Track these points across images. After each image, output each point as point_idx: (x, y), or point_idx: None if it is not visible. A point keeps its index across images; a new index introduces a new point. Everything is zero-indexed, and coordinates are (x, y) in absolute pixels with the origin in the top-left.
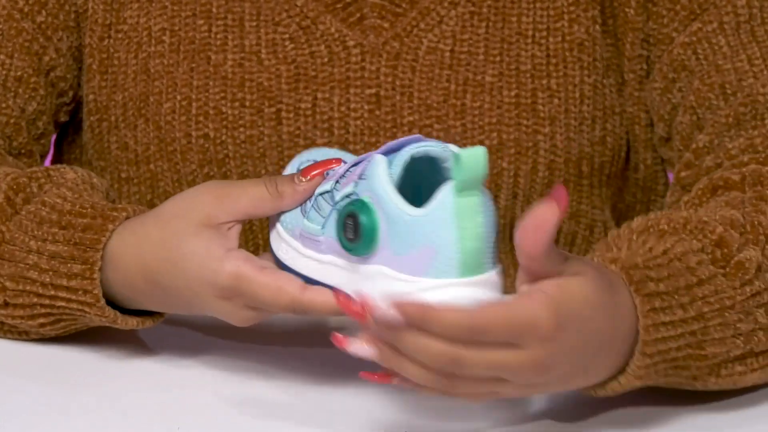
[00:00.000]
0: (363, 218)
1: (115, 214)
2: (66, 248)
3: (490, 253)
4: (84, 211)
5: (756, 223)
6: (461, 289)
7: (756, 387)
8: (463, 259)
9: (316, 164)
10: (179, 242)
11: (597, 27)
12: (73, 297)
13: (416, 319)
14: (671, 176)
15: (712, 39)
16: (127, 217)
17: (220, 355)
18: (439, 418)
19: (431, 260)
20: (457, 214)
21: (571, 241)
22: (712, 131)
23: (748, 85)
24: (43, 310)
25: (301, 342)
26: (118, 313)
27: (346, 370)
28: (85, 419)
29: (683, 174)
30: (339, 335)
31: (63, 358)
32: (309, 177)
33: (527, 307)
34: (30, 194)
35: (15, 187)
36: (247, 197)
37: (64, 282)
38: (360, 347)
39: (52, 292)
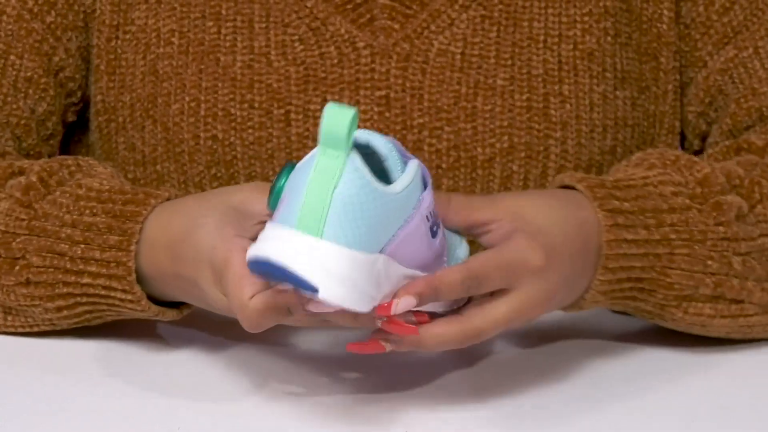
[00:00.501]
0: (277, 180)
1: (158, 192)
2: (104, 219)
3: (354, 229)
4: (125, 189)
5: (755, 181)
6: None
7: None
8: (302, 213)
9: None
10: (203, 215)
11: (608, 39)
12: (103, 271)
13: (430, 297)
14: None
15: (747, 64)
16: (168, 198)
17: (220, 355)
18: (439, 418)
19: (282, 207)
20: (315, 169)
21: None
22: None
23: None
24: (65, 290)
25: (302, 342)
26: (144, 294)
27: (346, 370)
28: (85, 419)
29: (720, 144)
30: (353, 344)
31: (63, 359)
32: None
33: (513, 248)
34: (63, 178)
35: (48, 169)
36: None
37: (97, 254)
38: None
39: (81, 266)
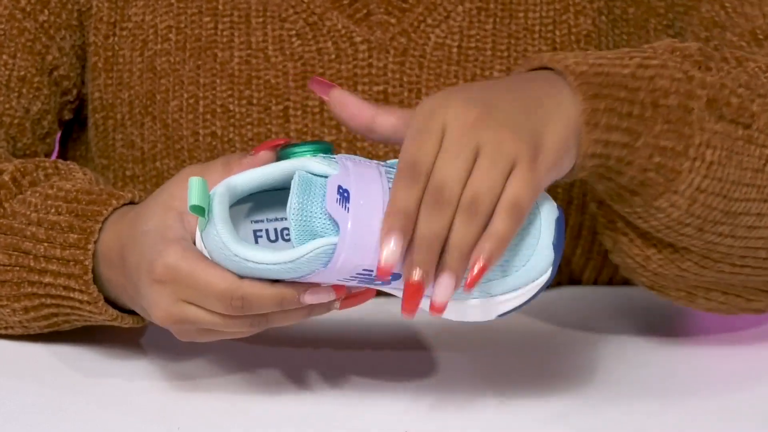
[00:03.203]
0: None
1: (120, 193)
2: (67, 218)
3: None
4: (92, 189)
5: (724, 57)
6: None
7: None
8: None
9: (263, 143)
10: (144, 222)
11: (603, 18)
12: (63, 270)
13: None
14: None
15: None
16: (132, 199)
17: (220, 355)
18: (439, 419)
19: None
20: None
21: (577, 233)
22: None
23: None
24: (29, 289)
25: (302, 343)
26: (101, 296)
27: (347, 370)
28: (85, 419)
29: None
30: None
31: (62, 359)
32: (254, 152)
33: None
34: (36, 179)
35: (22, 170)
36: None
37: (58, 252)
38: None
39: (43, 264)
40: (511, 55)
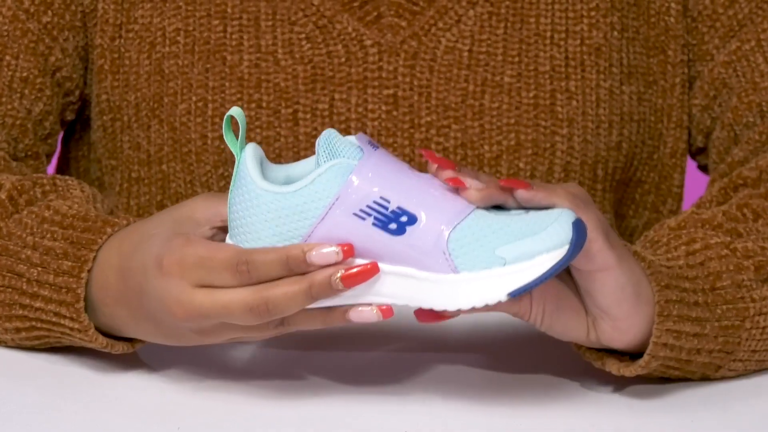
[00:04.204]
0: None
1: (116, 220)
2: (62, 244)
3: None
4: (88, 216)
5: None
6: None
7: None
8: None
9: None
10: (153, 228)
11: (615, 33)
12: (54, 296)
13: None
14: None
15: (750, 57)
16: (127, 225)
17: (219, 355)
18: (440, 419)
19: None
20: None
21: None
22: (746, 147)
23: None
24: (21, 312)
25: (302, 343)
26: (92, 324)
27: (347, 371)
28: (85, 420)
29: (717, 184)
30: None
31: (62, 359)
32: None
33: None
34: (33, 197)
35: (19, 188)
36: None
37: (51, 278)
38: None
39: (35, 289)
40: (522, 61)
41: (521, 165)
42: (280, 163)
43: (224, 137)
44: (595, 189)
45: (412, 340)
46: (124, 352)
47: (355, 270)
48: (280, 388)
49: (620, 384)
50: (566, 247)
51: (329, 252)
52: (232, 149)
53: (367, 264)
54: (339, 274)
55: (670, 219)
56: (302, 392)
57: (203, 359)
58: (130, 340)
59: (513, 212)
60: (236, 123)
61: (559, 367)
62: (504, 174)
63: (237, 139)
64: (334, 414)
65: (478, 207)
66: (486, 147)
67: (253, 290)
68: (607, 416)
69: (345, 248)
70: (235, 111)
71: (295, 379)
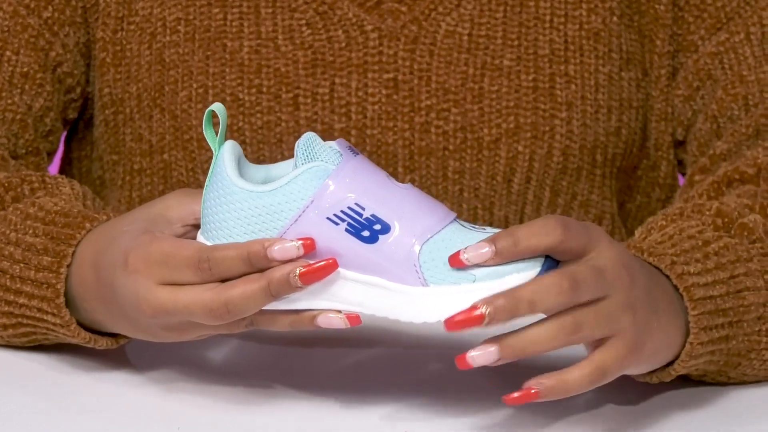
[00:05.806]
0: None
1: (95, 215)
2: (42, 240)
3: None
4: (71, 212)
5: (765, 204)
6: None
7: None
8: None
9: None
10: (126, 225)
11: (614, 19)
12: (36, 292)
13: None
14: (681, 179)
15: (738, 49)
16: (107, 221)
17: (219, 354)
18: (439, 419)
19: None
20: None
21: None
22: (731, 140)
23: None
24: (6, 308)
25: (301, 342)
26: (73, 319)
27: (347, 370)
28: (85, 420)
29: (697, 178)
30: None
31: (62, 359)
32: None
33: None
34: (20, 194)
35: (6, 185)
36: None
37: (32, 275)
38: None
39: (18, 285)
40: (521, 44)
41: (520, 148)
42: (281, 147)
43: (204, 132)
44: (594, 174)
45: (413, 339)
46: (107, 348)
47: (314, 266)
48: (279, 387)
49: (620, 384)
50: (537, 269)
51: (290, 246)
52: (210, 145)
53: (327, 259)
54: (298, 271)
55: (688, 224)
56: (302, 392)
57: (203, 359)
58: (114, 335)
59: (488, 229)
60: (218, 119)
61: (559, 368)
62: (503, 157)
63: (216, 135)
64: (334, 414)
65: (454, 220)
66: (485, 130)
67: (213, 292)
68: (608, 416)
69: (307, 242)
70: (217, 107)
71: (295, 379)
